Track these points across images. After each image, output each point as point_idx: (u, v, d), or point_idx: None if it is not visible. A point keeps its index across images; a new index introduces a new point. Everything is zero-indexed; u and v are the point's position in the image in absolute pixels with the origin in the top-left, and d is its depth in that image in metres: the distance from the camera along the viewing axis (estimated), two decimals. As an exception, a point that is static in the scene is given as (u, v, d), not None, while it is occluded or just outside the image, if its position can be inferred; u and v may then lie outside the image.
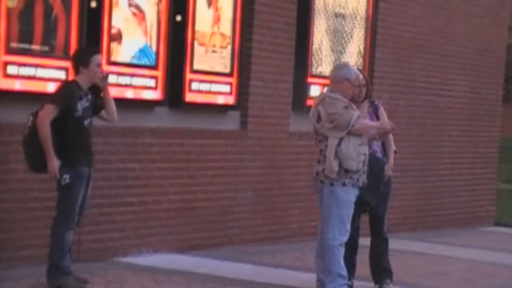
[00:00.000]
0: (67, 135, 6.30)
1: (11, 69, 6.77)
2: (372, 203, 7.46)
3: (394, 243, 8.27)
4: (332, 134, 6.74)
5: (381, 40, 10.69)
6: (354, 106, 6.89)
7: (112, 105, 6.60)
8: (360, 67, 9.92)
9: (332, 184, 6.79)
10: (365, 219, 7.58)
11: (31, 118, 6.28)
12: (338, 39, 10.09)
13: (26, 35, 6.86)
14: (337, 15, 10.02)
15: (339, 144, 6.73)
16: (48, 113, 6.22)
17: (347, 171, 6.74)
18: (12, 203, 6.89)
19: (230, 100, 8.84)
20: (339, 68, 7.04)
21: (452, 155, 12.09)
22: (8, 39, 6.72)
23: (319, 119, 6.82)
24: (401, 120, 10.80)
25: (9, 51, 6.74)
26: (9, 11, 6.70)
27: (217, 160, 8.73)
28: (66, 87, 6.42)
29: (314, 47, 9.75)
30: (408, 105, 11.27)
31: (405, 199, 11.12)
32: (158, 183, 8.13)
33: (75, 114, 6.32)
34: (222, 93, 8.74)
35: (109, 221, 7.67)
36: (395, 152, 7.71)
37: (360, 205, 7.12)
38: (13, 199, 6.89)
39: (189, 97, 8.37)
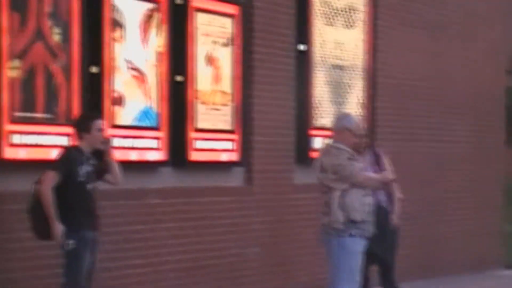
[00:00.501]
0: (70, 200, 6.33)
1: (15, 138, 6.81)
2: (380, 253, 7.45)
3: (405, 293, 8.23)
4: (336, 185, 6.77)
5: (381, 89, 10.76)
6: (359, 156, 6.94)
7: (116, 168, 6.63)
8: (361, 117, 9.97)
9: (339, 236, 6.80)
10: (374, 269, 7.56)
11: (34, 186, 6.30)
12: (338, 90, 10.16)
13: (28, 104, 6.92)
14: (335, 67, 10.10)
15: (342, 196, 6.76)
16: (50, 179, 6.25)
17: (353, 222, 6.75)
18: (20, 272, 6.88)
19: (234, 156, 8.87)
20: (340, 118, 7.14)
21: (457, 200, 12.08)
22: (11, 109, 6.77)
23: (323, 170, 6.85)
24: (404, 167, 10.80)
25: (13, 120, 6.79)
26: (11, 80, 6.77)
27: (223, 217, 8.73)
28: (67, 152, 6.47)
29: (315, 99, 9.82)
30: (410, 152, 11.29)
31: (413, 246, 11.08)
32: (165, 243, 8.12)
33: (77, 179, 6.35)
34: (225, 150, 8.78)
35: (119, 285, 7.65)
36: (401, 200, 7.72)
37: (368, 256, 7.12)
38: (21, 268, 6.88)
39: (193, 156, 8.40)
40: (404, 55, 11.18)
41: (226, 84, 8.80)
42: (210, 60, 8.63)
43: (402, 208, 7.93)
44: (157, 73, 8.03)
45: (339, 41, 10.14)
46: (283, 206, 9.46)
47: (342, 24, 10.18)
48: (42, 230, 6.28)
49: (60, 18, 7.15)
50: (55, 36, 7.12)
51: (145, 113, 7.94)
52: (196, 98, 8.43)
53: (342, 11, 10.16)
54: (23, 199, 6.53)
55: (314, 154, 8.90)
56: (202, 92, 8.50)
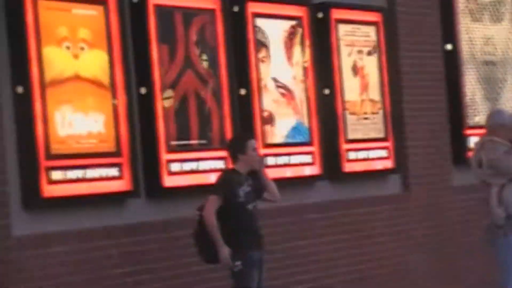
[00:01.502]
0: (233, 222, 6.44)
1: (174, 167, 7.01)
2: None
3: None
4: (494, 181, 6.62)
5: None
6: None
7: (273, 186, 6.71)
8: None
9: (506, 234, 6.64)
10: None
11: (197, 212, 6.46)
12: (491, 86, 9.93)
13: (183, 132, 7.11)
14: (486, 63, 9.88)
15: (501, 191, 6.59)
16: (212, 204, 6.39)
17: (513, 217, 6.59)
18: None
19: (389, 164, 8.80)
20: (492, 115, 7.00)
21: None
22: (167, 138, 6.98)
23: (480, 165, 6.72)
24: None
25: (169, 149, 6.99)
26: (165, 111, 6.98)
27: (383, 226, 8.68)
28: (226, 175, 6.59)
29: (467, 98, 9.63)
30: None
31: None
32: (328, 257, 8.14)
33: (238, 200, 6.46)
34: (380, 158, 8.72)
35: (285, 302, 7.73)
36: None
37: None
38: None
39: (348, 167, 8.39)
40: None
41: (375, 92, 8.75)
42: (357, 70, 8.61)
43: None
44: (304, 88, 8.08)
45: (488, 36, 9.91)
46: (444, 209, 9.30)
47: (490, 19, 9.95)
48: (209, 254, 6.42)
49: (206, 44, 7.32)
50: (204, 63, 7.29)
51: (297, 129, 8.00)
52: (345, 109, 8.42)
53: (488, 5, 9.93)
54: (186, 225, 6.71)
55: (471, 154, 8.73)
56: (351, 102, 8.49)
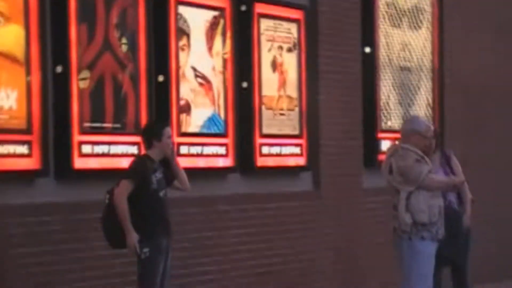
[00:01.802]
0: (144, 208, 6.39)
1: (85, 148, 6.91)
2: (452, 256, 7.36)
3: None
4: (403, 187, 6.71)
5: (449, 90, 10.64)
6: (427, 159, 6.86)
7: (184, 175, 6.68)
8: (430, 119, 9.87)
9: (410, 239, 6.73)
10: (447, 272, 7.47)
11: (107, 195, 6.39)
12: (406, 92, 10.08)
13: (98, 114, 7.02)
14: (402, 68, 10.02)
15: (409, 198, 6.69)
16: (124, 188, 6.32)
17: (421, 224, 6.68)
18: (93, 281, 6.97)
19: (301, 161, 8.85)
20: (409, 121, 7.10)
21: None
22: (81, 119, 6.88)
23: (391, 171, 6.80)
24: (475, 168, 10.64)
25: (83, 131, 6.89)
26: (81, 91, 6.88)
27: (292, 222, 8.73)
28: (140, 161, 6.53)
29: (381, 102, 9.75)
30: (482, 153, 11.12)
31: (487, 249, 10.91)
32: (235, 249, 8.14)
33: (150, 187, 6.41)
34: (293, 155, 8.77)
35: (190, 291, 7.71)
36: (473, 201, 7.62)
37: (440, 258, 7.03)
38: (94, 276, 6.98)
39: (260, 161, 8.41)
40: (473, 55, 11.04)
41: (292, 89, 8.80)
42: (276, 65, 8.64)
43: (473, 209, 7.81)
44: (223, 80, 8.07)
45: (406, 42, 10.06)
46: (353, 210, 9.41)
47: (409, 25, 10.10)
48: (116, 239, 6.35)
49: (127, 28, 7.24)
50: (123, 46, 7.21)
51: (212, 120, 7.99)
52: (262, 103, 8.44)
53: (408, 12, 10.08)
54: (95, 208, 6.62)
55: (382, 157, 8.85)
56: (268, 97, 8.51)
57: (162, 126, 6.66)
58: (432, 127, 7.17)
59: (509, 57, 11.61)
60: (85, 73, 6.94)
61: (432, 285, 6.83)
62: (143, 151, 6.75)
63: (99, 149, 7.00)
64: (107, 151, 7.05)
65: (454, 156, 7.77)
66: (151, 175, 6.42)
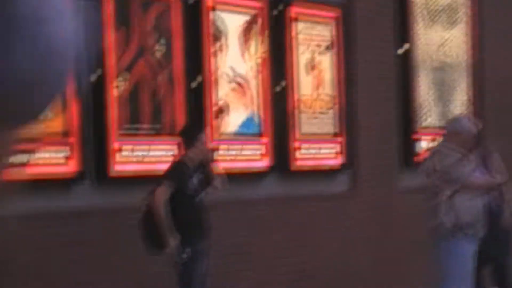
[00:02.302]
0: (182, 212, 6.42)
1: (124, 153, 6.96)
2: (493, 255, 7.30)
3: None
4: (446, 187, 6.67)
5: (488, 85, 10.53)
6: (470, 157, 6.81)
7: (222, 177, 6.71)
8: (470, 115, 9.78)
9: (450, 239, 6.69)
10: (488, 271, 7.40)
11: (146, 199, 6.43)
12: (444, 90, 10.00)
13: (134, 118, 7.06)
14: (440, 66, 9.94)
15: (451, 198, 6.64)
16: (162, 193, 6.35)
17: (462, 224, 6.64)
18: (132, 285, 7.00)
19: (339, 161, 8.82)
20: (454, 121, 7.08)
21: None
22: (118, 124, 6.93)
23: (432, 171, 6.76)
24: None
25: (120, 137, 6.93)
26: (119, 95, 6.92)
27: (330, 223, 8.70)
28: (177, 166, 6.56)
29: (420, 100, 9.68)
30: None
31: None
32: (273, 251, 8.14)
33: (188, 191, 6.44)
34: (330, 155, 8.74)
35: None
36: (512, 200, 7.55)
37: (481, 258, 6.97)
38: (133, 281, 7.00)
39: (298, 162, 8.40)
40: (510, 48, 10.91)
41: (329, 88, 8.77)
42: (312, 65, 8.61)
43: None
44: (260, 81, 8.07)
45: (443, 39, 9.98)
46: (390, 210, 9.36)
47: (445, 23, 10.01)
48: (155, 242, 6.39)
49: (162, 33, 7.27)
50: (158, 51, 7.24)
51: (249, 122, 7.99)
52: (299, 104, 8.42)
53: (444, 9, 9.99)
54: (133, 213, 6.67)
55: (420, 156, 8.78)
56: (305, 97, 8.49)
57: (198, 129, 6.69)
58: (477, 127, 7.12)
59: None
60: (124, 77, 6.98)
61: (472, 285, 6.78)
62: (181, 153, 6.77)
63: (136, 154, 7.03)
64: (145, 155, 7.08)
65: (494, 154, 7.69)
66: (189, 180, 6.45)
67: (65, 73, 0.87)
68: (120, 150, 6.91)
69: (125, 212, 6.91)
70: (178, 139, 6.84)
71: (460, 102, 10.20)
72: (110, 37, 6.86)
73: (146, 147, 7.10)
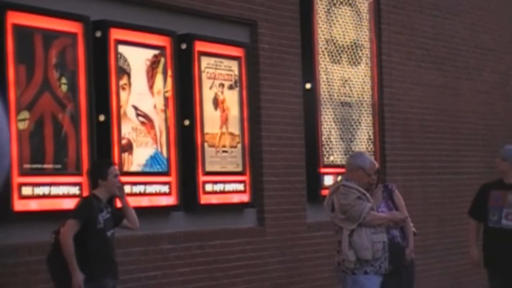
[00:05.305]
0: (90, 248, 6.33)
1: (26, 190, 6.82)
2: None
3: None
4: (345, 225, 6.75)
5: (389, 124, 10.76)
6: (368, 195, 6.90)
7: (133, 213, 6.68)
8: (372, 155, 9.96)
9: (354, 273, 6.75)
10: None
11: (53, 235, 6.31)
12: (347, 127, 10.16)
13: (38, 155, 6.93)
14: (343, 103, 10.11)
15: (351, 235, 6.73)
16: (70, 228, 6.26)
17: (366, 260, 6.72)
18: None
19: (245, 198, 8.85)
20: (354, 157, 7.15)
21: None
22: (20, 161, 6.79)
23: (333, 209, 6.84)
24: (418, 201, 10.77)
25: (23, 172, 6.80)
26: (20, 133, 6.80)
27: (237, 259, 8.69)
28: (86, 201, 6.49)
29: (323, 137, 9.82)
30: (424, 186, 11.25)
31: (431, 281, 10.99)
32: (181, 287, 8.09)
33: (97, 227, 6.36)
34: (236, 191, 8.76)
35: (135, 332, 7.60)
36: (415, 234, 7.67)
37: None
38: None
39: (204, 199, 8.39)
40: (412, 89, 11.19)
41: (234, 126, 8.81)
42: (218, 103, 8.65)
43: (416, 242, 7.87)
44: (165, 118, 8.05)
45: (346, 78, 10.17)
46: (297, 245, 9.41)
47: (348, 61, 10.21)
48: (62, 279, 6.27)
49: (66, 68, 7.19)
50: (63, 87, 7.15)
51: (155, 159, 7.95)
52: (205, 141, 8.43)
53: (347, 48, 10.20)
54: (37, 250, 6.52)
55: (325, 192, 8.88)
56: (210, 135, 8.51)
57: (107, 165, 6.63)
58: (376, 164, 7.24)
59: (448, 90, 11.80)
60: (25, 114, 6.86)
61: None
62: (86, 192, 6.68)
63: (39, 190, 6.90)
64: (48, 193, 6.96)
65: (396, 190, 7.83)
66: (98, 215, 6.37)
67: None
68: (22, 186, 6.76)
69: (28, 250, 6.75)
70: (86, 176, 6.75)
71: (363, 140, 10.37)
72: (9, 73, 6.73)
73: (49, 183, 6.96)
